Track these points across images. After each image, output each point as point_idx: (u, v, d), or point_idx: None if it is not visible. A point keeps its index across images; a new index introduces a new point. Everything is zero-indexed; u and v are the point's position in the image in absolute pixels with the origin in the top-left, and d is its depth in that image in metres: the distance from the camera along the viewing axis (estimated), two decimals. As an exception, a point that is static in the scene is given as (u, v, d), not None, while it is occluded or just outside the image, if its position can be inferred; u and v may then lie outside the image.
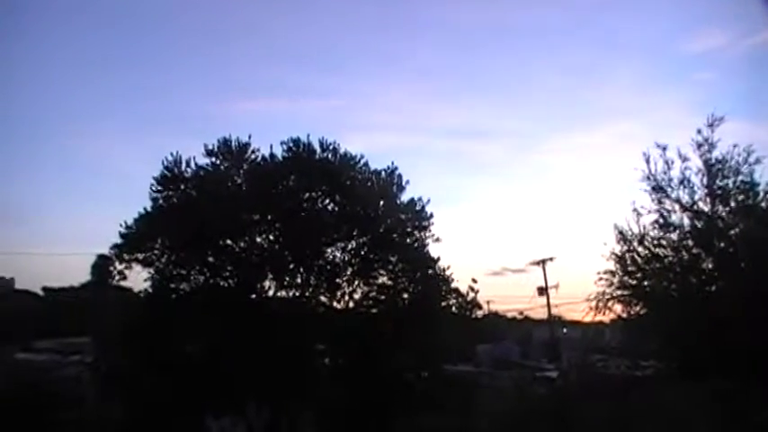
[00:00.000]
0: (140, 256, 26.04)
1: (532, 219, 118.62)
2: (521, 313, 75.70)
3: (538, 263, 64.21)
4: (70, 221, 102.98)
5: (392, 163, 26.83)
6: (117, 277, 27.77)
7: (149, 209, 26.11)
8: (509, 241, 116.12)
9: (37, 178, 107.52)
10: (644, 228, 24.00)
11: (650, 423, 18.73)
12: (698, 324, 21.21)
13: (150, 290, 26.21)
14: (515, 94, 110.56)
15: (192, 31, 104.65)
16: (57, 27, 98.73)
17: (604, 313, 25.03)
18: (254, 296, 25.70)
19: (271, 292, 25.90)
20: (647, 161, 23.77)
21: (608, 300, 24.60)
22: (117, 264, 27.48)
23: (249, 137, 26.15)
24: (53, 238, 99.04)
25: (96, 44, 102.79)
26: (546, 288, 63.66)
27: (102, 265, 46.17)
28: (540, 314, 69.52)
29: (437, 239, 26.62)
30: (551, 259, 64.02)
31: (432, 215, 26.52)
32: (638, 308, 24.73)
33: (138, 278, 26.75)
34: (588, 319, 26.88)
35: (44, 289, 68.62)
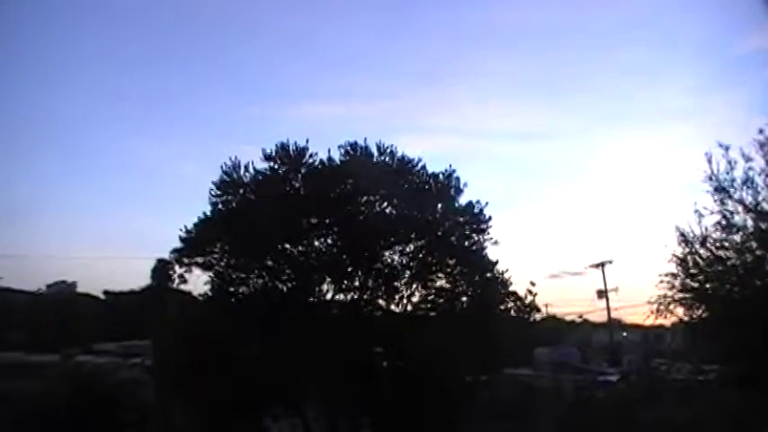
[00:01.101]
0: (200, 260, 26.27)
1: (591, 221, 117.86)
2: (580, 316, 75.13)
3: (597, 266, 63.81)
4: (132, 226, 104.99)
5: (450, 166, 26.67)
6: (177, 281, 28.11)
7: (209, 213, 26.34)
8: (568, 244, 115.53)
9: (100, 184, 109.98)
10: (706, 229, 23.68)
11: (716, 429, 18.44)
12: (763, 327, 20.82)
13: (210, 293, 26.44)
14: (573, 95, 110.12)
15: (252, 36, 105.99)
16: (116, 30, 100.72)
17: (666, 316, 24.75)
18: (312, 299, 25.74)
19: (329, 296, 25.93)
20: (709, 161, 23.44)
21: (669, 303, 24.31)
22: (177, 268, 27.82)
23: (307, 141, 26.12)
24: (115, 243, 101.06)
25: (155, 48, 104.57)
26: (605, 291, 63.18)
27: (162, 269, 46.91)
28: (600, 317, 68.95)
29: (495, 242, 26.43)
30: (610, 262, 63.52)
31: (490, 218, 26.32)
32: (700, 311, 24.36)
33: (197, 282, 27.07)
34: (649, 322, 26.59)
35: (105, 292, 69.82)
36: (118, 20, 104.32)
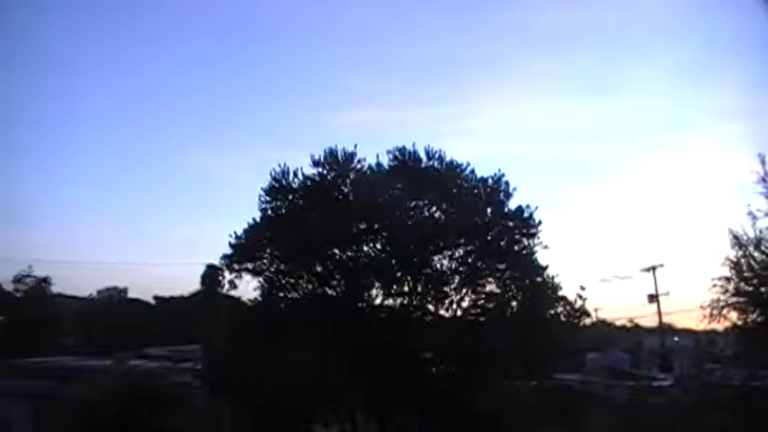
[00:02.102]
0: (250, 265, 26.48)
1: (641, 223, 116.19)
2: (630, 321, 74.19)
3: (648, 269, 62.93)
4: (181, 232, 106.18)
5: (498, 170, 26.53)
6: (227, 287, 28.24)
7: (258, 219, 26.53)
8: (617, 247, 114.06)
9: (148, 191, 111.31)
10: (760, 232, 23.26)
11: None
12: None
13: (259, 298, 26.60)
14: (621, 96, 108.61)
15: (297, 43, 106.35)
16: (164, 39, 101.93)
17: (719, 321, 24.37)
18: (361, 304, 25.76)
19: (378, 301, 25.98)
20: (763, 162, 23.04)
21: (723, 307, 23.93)
22: (227, 273, 27.97)
23: (355, 146, 26.30)
24: (164, 249, 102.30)
25: (202, 57, 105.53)
26: (656, 295, 62.35)
27: (211, 275, 47.24)
28: (651, 322, 68.04)
29: (545, 247, 26.23)
30: (662, 265, 62.66)
31: (540, 222, 26.12)
32: (755, 315, 23.96)
33: (247, 287, 27.20)
34: (702, 327, 26.22)
35: (155, 298, 70.47)
36: (167, 27, 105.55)
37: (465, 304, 25.79)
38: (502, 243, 25.97)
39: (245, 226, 26.60)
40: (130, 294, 74.25)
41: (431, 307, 26.01)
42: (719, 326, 25.31)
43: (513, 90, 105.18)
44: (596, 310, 49.39)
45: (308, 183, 26.20)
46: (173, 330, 54.09)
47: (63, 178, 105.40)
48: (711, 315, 24.07)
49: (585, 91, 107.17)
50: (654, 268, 62.57)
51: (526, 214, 26.02)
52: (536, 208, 26.19)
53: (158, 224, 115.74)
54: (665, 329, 65.73)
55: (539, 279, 26.02)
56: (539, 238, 26.13)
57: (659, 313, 63.36)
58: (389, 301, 25.87)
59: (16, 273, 61.09)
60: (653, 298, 62.68)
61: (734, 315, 24.11)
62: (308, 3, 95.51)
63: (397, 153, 26.08)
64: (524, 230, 26.04)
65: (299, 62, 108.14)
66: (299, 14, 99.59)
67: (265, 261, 26.37)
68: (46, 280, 62.17)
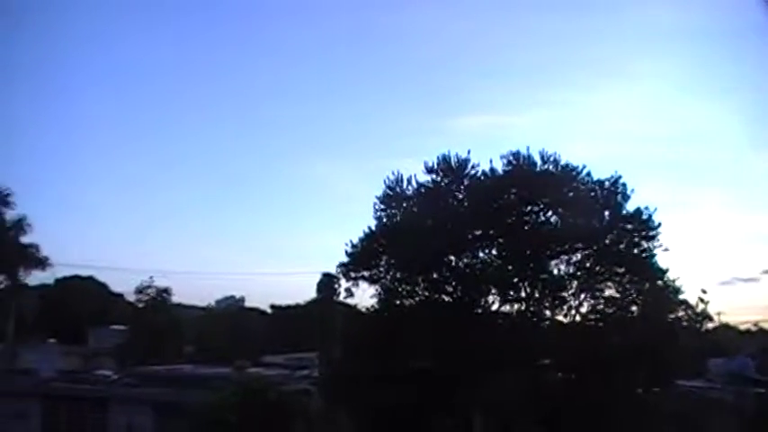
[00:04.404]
0: (366, 273, 26.61)
1: (763, 225, 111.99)
2: (755, 325, 71.78)
3: (773, 271, 60.91)
4: (296, 242, 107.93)
5: (615, 172, 25.97)
6: (343, 294, 28.43)
7: (373, 228, 26.69)
8: (739, 249, 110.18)
9: (265, 201, 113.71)
10: None
11: None
12: None
13: (377, 306, 26.71)
14: (739, 96, 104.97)
15: (408, 52, 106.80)
16: (283, 52, 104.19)
17: None
18: (477, 311, 25.62)
19: (494, 307, 25.79)
20: None
21: None
22: (343, 281, 28.18)
23: (468, 152, 26.18)
24: (280, 258, 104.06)
25: (317, 68, 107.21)
26: (782, 298, 60.27)
27: (327, 283, 47.77)
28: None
29: (665, 249, 25.54)
30: (788, 267, 60.53)
31: (659, 224, 25.43)
32: None
33: (363, 295, 27.33)
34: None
35: (272, 307, 71.61)
36: (281, 47, 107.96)
37: (583, 309, 25.44)
38: (621, 246, 25.45)
39: (361, 234, 26.78)
40: (247, 303, 75.84)
41: (548, 313, 25.76)
42: None
43: (628, 92, 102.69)
44: (719, 314, 47.97)
45: (422, 190, 26.22)
46: (289, 338, 54.96)
47: (182, 192, 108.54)
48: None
49: (702, 91, 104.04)
50: (779, 270, 60.55)
51: (645, 216, 25.43)
52: (655, 210, 25.59)
53: (275, 233, 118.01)
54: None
55: (659, 283, 25.35)
56: (658, 240, 25.51)
57: (786, 316, 61.27)
58: (506, 308, 25.72)
59: (138, 283, 62.94)
60: (779, 300, 60.68)
61: None
62: (423, 10, 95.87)
63: (511, 158, 25.86)
64: (643, 233, 25.43)
65: (411, 70, 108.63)
66: (413, 22, 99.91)
67: (381, 269, 26.47)
68: (166, 290, 63.76)
